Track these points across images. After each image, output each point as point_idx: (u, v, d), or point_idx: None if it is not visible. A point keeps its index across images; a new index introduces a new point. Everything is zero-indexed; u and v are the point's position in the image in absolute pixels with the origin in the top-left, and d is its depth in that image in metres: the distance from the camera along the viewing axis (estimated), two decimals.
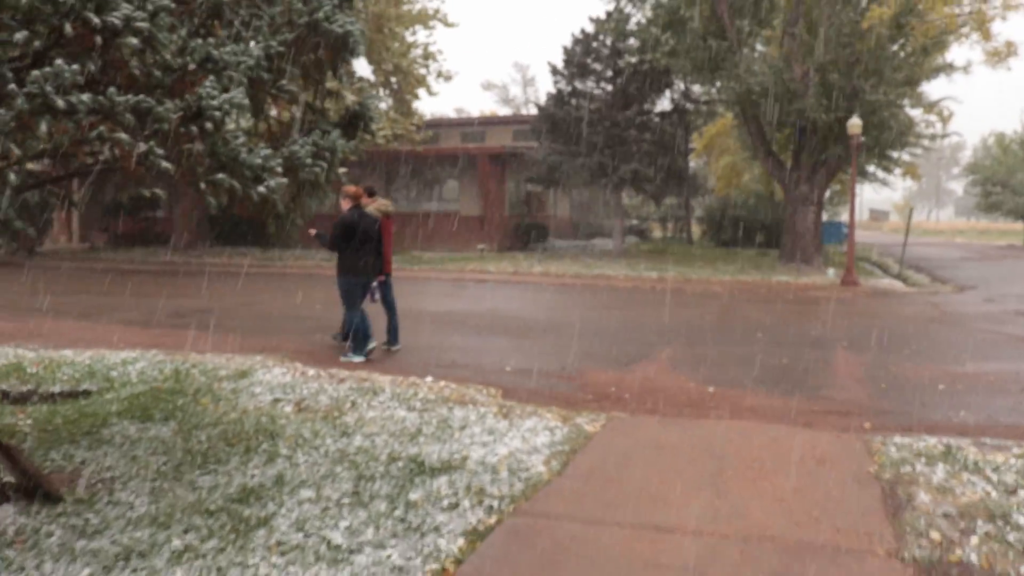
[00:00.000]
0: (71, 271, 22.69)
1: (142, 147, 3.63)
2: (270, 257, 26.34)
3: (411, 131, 28.25)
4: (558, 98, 28.40)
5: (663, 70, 26.81)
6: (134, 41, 3.66)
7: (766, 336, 11.32)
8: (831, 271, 21.25)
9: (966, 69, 23.73)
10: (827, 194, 30.49)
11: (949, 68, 23.83)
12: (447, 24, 31.32)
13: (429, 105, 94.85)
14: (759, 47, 27.09)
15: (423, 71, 30.48)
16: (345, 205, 9.28)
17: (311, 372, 8.40)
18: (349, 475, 5.31)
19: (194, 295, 16.77)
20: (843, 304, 15.60)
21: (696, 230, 39.56)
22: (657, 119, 28.61)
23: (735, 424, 6.58)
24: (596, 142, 26.58)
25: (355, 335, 9.51)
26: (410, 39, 30.05)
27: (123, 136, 3.63)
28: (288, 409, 7.14)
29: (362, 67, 29.91)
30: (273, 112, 5.44)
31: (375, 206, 9.90)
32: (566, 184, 28.98)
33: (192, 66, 4.08)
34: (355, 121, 5.18)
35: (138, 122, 3.65)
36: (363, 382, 7.98)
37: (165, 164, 3.76)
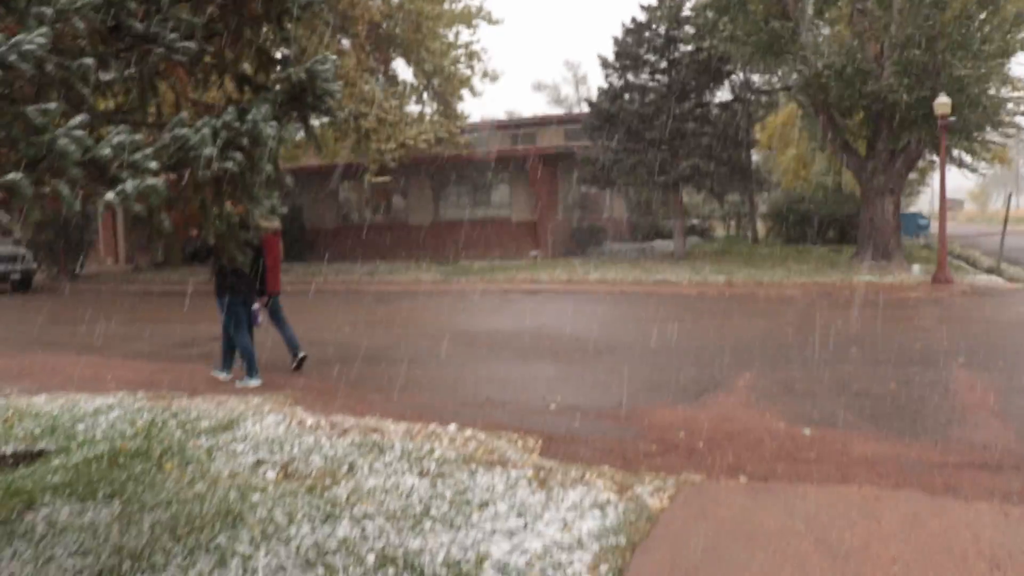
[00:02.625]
0: (102, 295, 21.70)
1: None
2: (309, 273, 25.09)
3: (455, 134, 26.76)
4: (611, 93, 26.70)
5: (721, 58, 24.94)
6: None
7: (862, 352, 9.52)
8: (916, 268, 19.20)
9: None
10: None
11: None
12: (491, 22, 29.77)
13: (478, 108, 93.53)
14: (824, 29, 25.12)
15: (467, 71, 29.04)
16: None
17: (310, 421, 6.90)
18: None
19: (214, 319, 15.46)
20: (942, 307, 13.66)
21: (761, 227, 37.43)
22: (717, 111, 26.71)
23: (851, 492, 4.88)
24: (652, 138, 24.83)
25: (245, 356, 8.97)
26: (452, 39, 28.63)
27: None
28: (271, 475, 5.66)
29: (401, 68, 28.65)
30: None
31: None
32: (622, 183, 27.23)
33: None
34: (300, 96, 3.63)
35: None
36: (370, 433, 6.46)
37: None
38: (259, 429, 6.75)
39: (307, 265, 28.03)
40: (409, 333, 12.61)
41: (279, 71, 3.89)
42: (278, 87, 3.79)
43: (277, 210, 4.55)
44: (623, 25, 26.41)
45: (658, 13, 25.61)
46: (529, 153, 28.96)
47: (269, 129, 3.24)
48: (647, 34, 26.06)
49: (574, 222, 30.41)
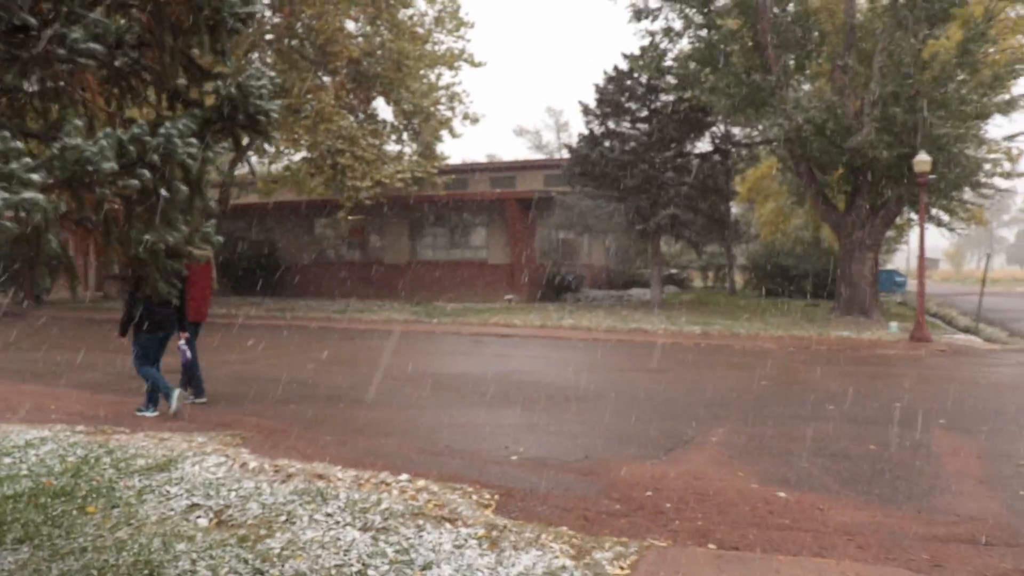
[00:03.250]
0: (64, 322, 21.09)
1: None
2: (282, 308, 24.60)
3: (432, 174, 26.50)
4: (591, 139, 26.55)
5: (703, 109, 24.90)
6: None
7: (839, 409, 9.16)
8: (894, 325, 18.98)
9: None
10: None
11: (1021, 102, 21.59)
12: (474, 64, 29.77)
13: (459, 151, 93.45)
14: (805, 84, 25.19)
15: (448, 113, 28.90)
16: None
17: (253, 464, 6.44)
18: None
19: (172, 351, 14.94)
20: (920, 366, 13.37)
21: (739, 279, 37.32)
22: (697, 161, 26.61)
23: (830, 567, 4.47)
24: (632, 185, 24.64)
25: (158, 383, 8.79)
26: (434, 80, 28.52)
27: None
28: (203, 521, 5.20)
29: (381, 108, 28.47)
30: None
31: None
32: (600, 230, 27.02)
33: None
34: (231, 113, 3.22)
35: None
36: (316, 480, 6.01)
37: None
38: (198, 471, 6.28)
39: (280, 300, 27.56)
40: (373, 374, 12.15)
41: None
42: (206, 104, 3.41)
43: (212, 239, 4.16)
44: (605, 73, 26.35)
45: (640, 62, 25.54)
46: (507, 196, 28.73)
47: (187, 146, 2.84)
48: (629, 82, 25.99)
49: (551, 267, 30.12)
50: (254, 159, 36.37)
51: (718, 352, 15.15)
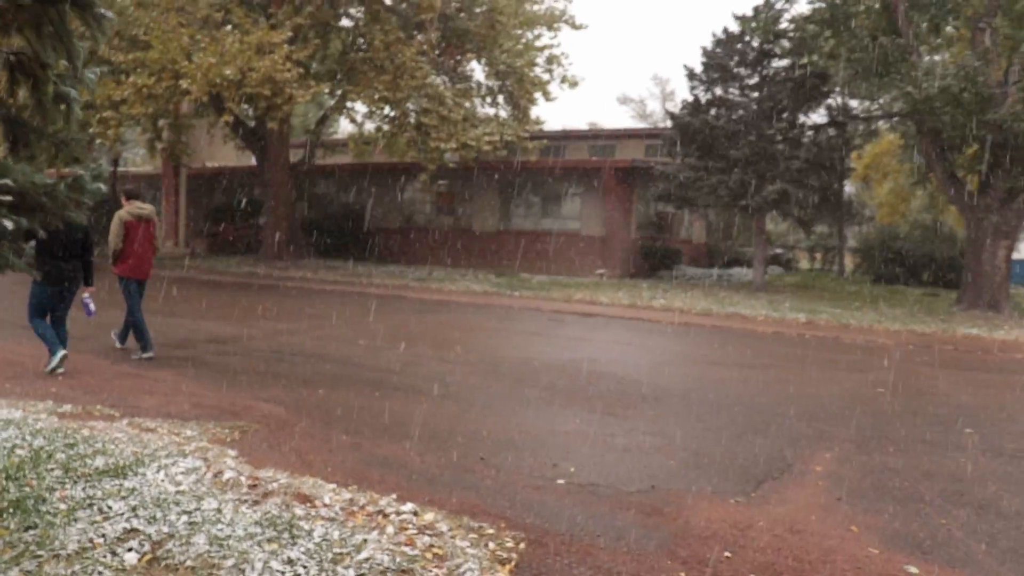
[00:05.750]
0: None
1: None
2: (360, 273, 23.61)
3: (523, 138, 25.02)
4: (695, 106, 24.62)
5: (819, 76, 22.73)
6: None
7: (980, 434, 7.38)
8: None
9: None
10: None
11: None
12: (575, 27, 28.08)
13: (559, 118, 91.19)
14: (939, 50, 22.73)
15: (545, 75, 27.34)
16: None
17: (228, 475, 5.18)
18: None
19: (231, 316, 14.02)
20: None
21: (848, 262, 34.79)
22: (810, 134, 24.42)
23: None
24: (738, 157, 22.70)
25: (45, 336, 8.52)
26: (531, 40, 26.96)
27: None
28: (131, 558, 3.98)
29: (475, 69, 27.14)
30: None
31: (128, 209, 9.67)
32: (701, 204, 25.10)
33: None
34: None
35: None
36: (295, 504, 4.70)
37: None
38: (160, 479, 5.06)
39: (361, 264, 26.62)
40: (428, 354, 10.87)
41: None
42: None
43: (85, 183, 3.16)
44: (713, 35, 24.37)
45: (752, 24, 23.45)
46: (603, 165, 27.09)
47: None
48: (739, 46, 23.94)
49: (646, 242, 28.39)
50: (346, 121, 35.67)
51: (825, 346, 13.35)
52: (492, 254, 27.99)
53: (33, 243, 8.46)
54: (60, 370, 8.42)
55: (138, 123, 21.70)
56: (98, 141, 21.40)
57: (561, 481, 5.54)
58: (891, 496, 5.45)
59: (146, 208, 9.86)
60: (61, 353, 8.44)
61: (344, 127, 42.24)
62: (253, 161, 27.93)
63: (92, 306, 9.10)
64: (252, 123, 25.48)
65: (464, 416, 7.40)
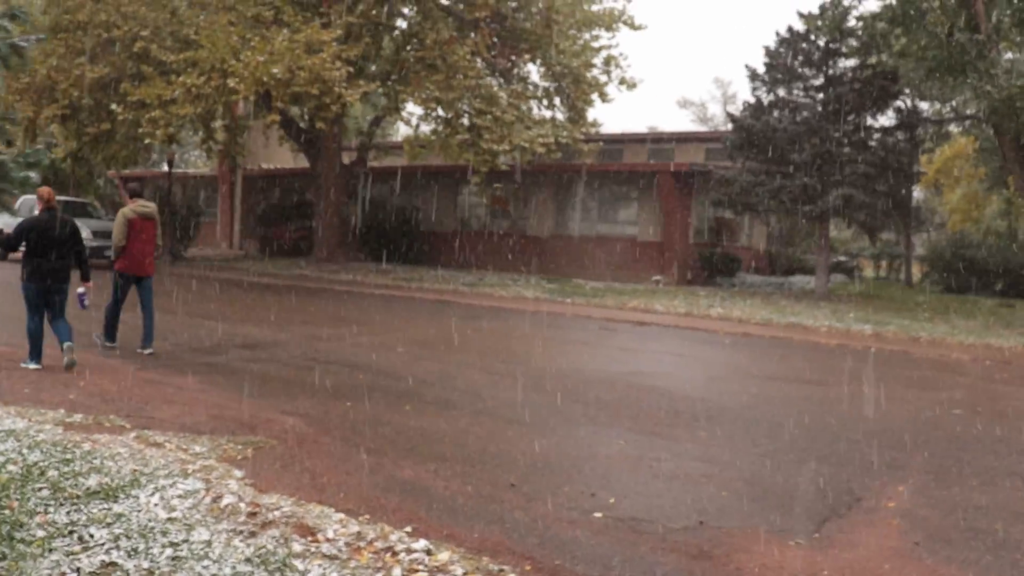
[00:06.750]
0: (185, 280, 20.39)
1: None
2: (410, 277, 23.20)
3: (578, 140, 24.38)
4: (757, 108, 23.76)
5: (889, 76, 21.75)
6: None
7: None
8: None
9: None
10: None
11: None
12: (634, 27, 27.34)
13: (617, 121, 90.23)
14: (1018, 48, 21.56)
15: (603, 77, 26.66)
16: (38, 207, 8.75)
17: (228, 500, 4.69)
18: None
19: (271, 320, 13.66)
20: None
21: (915, 271, 33.42)
22: (878, 136, 23.40)
23: None
24: (801, 161, 21.80)
25: (30, 340, 8.61)
26: (588, 40, 26.31)
27: None
28: None
29: (529, 67, 26.60)
30: None
31: (132, 207, 9.87)
32: (762, 209, 24.24)
33: None
34: None
35: None
36: (293, 539, 4.19)
37: None
38: (154, 502, 4.61)
39: (412, 268, 26.25)
40: (469, 363, 10.35)
41: None
42: None
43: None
44: (777, 34, 23.48)
45: (818, 22, 22.55)
46: (660, 169, 26.32)
47: None
48: (804, 45, 23.05)
49: (705, 248, 27.53)
50: (402, 124, 35.43)
51: (894, 361, 12.51)
52: (546, 259, 27.41)
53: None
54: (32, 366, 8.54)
55: (188, 123, 21.60)
56: (147, 141, 21.37)
57: (598, 514, 4.95)
58: (979, 541, 4.73)
59: (149, 206, 10.15)
60: (35, 366, 8.52)
61: (401, 130, 42.06)
62: (308, 163, 27.78)
63: (87, 301, 9.10)
64: (304, 124, 25.29)
65: (499, 434, 6.85)
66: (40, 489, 4.72)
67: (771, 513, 5.10)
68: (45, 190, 8.79)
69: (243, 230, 34.58)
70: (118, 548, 3.99)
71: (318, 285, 21.12)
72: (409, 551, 4.12)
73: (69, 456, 5.31)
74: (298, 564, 3.87)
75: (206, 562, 3.87)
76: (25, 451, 5.39)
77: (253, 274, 23.70)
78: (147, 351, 9.77)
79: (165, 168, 29.09)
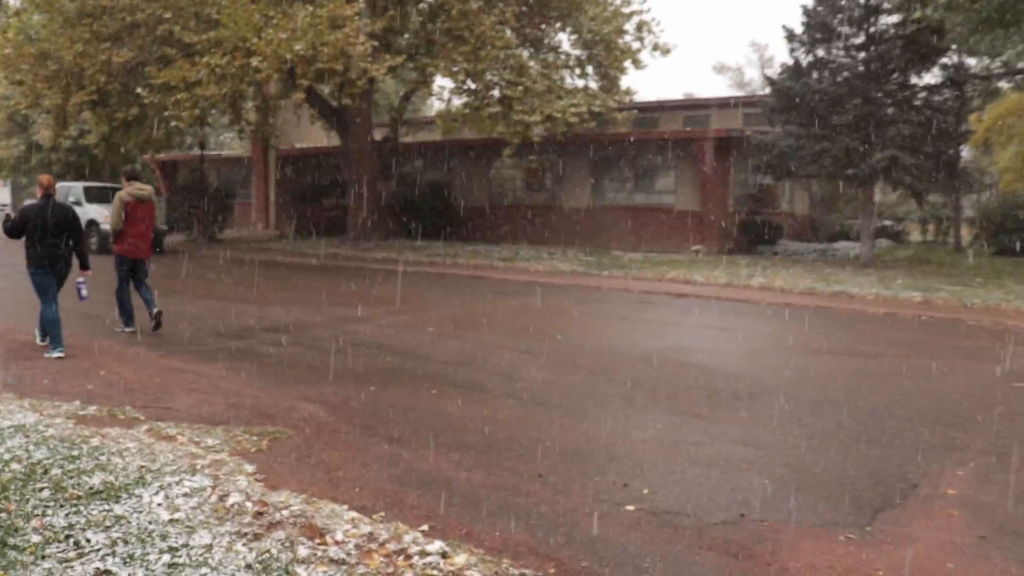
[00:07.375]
0: (219, 262, 20.32)
1: None
2: (445, 253, 22.91)
3: (611, 109, 23.80)
4: (795, 69, 22.98)
5: (934, 31, 20.88)
6: None
7: None
8: None
9: None
10: None
11: None
12: None
13: (653, 88, 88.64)
14: None
15: (635, 43, 25.98)
16: (38, 193, 8.72)
17: (235, 497, 4.42)
18: None
19: (301, 301, 13.45)
20: None
21: (964, 234, 32.38)
22: (923, 95, 22.54)
23: None
24: (843, 123, 21.10)
25: (46, 328, 8.64)
26: (620, 6, 25.62)
27: None
28: None
29: (560, 37, 26.02)
30: None
31: (128, 190, 9.92)
32: (803, 175, 23.55)
33: None
34: None
35: None
36: (300, 541, 3.90)
37: None
38: (157, 502, 4.35)
39: (448, 244, 25.96)
40: (500, 342, 10.01)
41: None
42: None
43: None
44: None
45: None
46: (698, 136, 25.69)
47: None
48: (843, 2, 22.19)
49: (745, 216, 26.88)
50: (434, 98, 35.00)
51: (945, 330, 11.97)
52: (583, 231, 26.97)
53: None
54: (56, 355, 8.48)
55: (215, 104, 21.39)
56: (173, 123, 21.23)
57: (631, 507, 4.60)
58: None
59: (146, 189, 10.20)
60: (59, 355, 8.45)
61: (433, 105, 41.65)
62: (339, 141, 27.53)
63: (84, 291, 9.06)
64: (335, 102, 25.02)
65: (528, 419, 6.52)
66: (41, 489, 4.49)
67: (818, 503, 4.71)
68: (45, 177, 8.78)
69: (278, 210, 34.49)
70: (114, 554, 3.74)
71: (351, 264, 20.91)
72: (423, 554, 3.81)
73: (75, 453, 5.08)
74: (301, 572, 3.58)
75: (204, 569, 3.60)
76: (31, 448, 5.18)
77: (286, 254, 23.58)
78: (154, 310, 9.98)
79: (198, 151, 29.02)
